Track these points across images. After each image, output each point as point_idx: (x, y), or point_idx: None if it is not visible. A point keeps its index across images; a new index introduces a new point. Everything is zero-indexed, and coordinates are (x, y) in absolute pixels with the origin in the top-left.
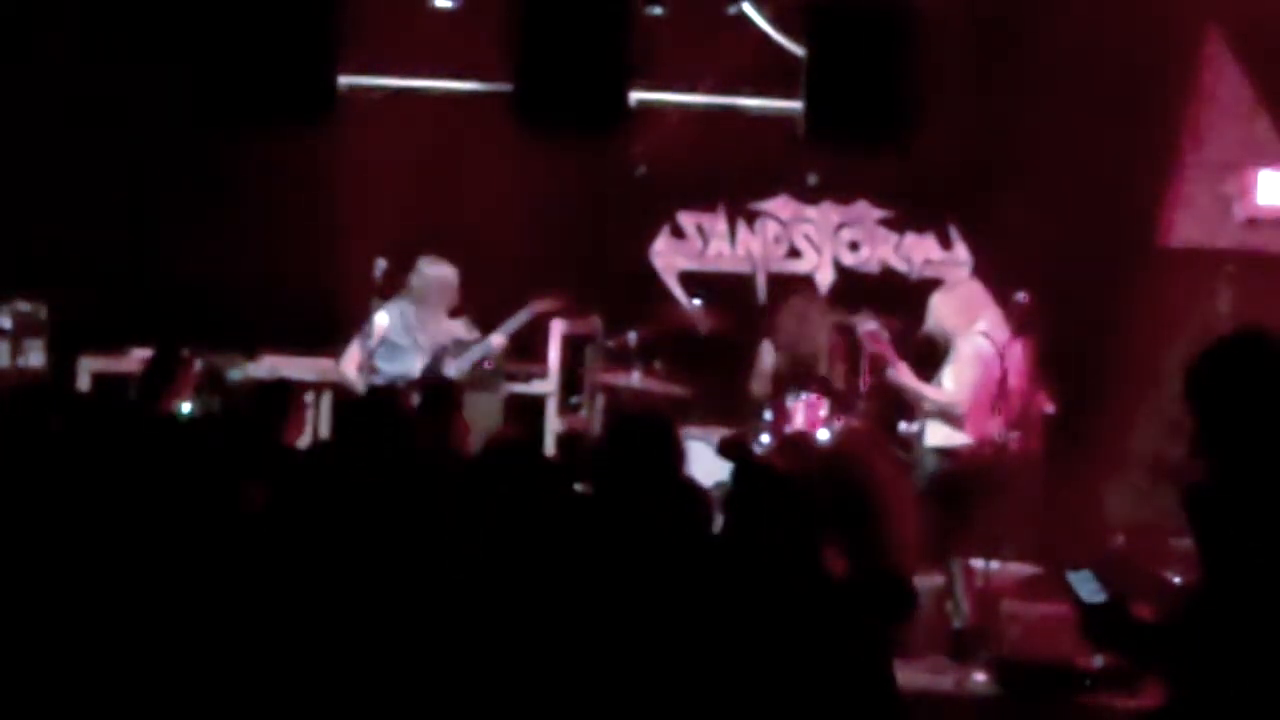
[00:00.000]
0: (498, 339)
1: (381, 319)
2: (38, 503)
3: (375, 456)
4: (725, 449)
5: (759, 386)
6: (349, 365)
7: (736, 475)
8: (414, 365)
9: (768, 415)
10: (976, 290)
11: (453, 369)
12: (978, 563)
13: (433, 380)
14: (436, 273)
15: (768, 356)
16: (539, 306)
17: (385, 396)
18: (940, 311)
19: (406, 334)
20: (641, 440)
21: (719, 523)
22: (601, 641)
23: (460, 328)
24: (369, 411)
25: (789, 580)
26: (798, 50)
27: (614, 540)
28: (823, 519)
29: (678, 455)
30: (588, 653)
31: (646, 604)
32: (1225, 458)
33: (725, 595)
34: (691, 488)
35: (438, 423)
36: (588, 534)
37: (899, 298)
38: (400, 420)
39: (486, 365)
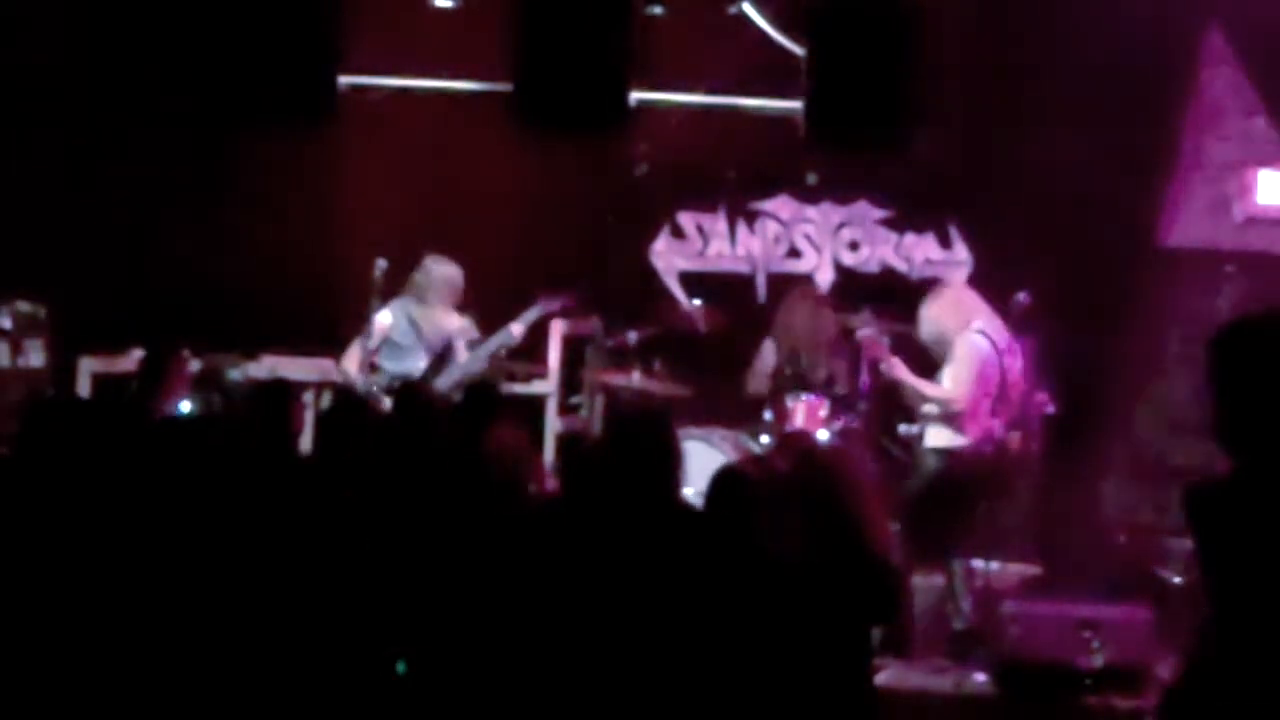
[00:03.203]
0: (517, 328)
1: (384, 318)
2: (39, 508)
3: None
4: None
5: (755, 384)
6: (350, 363)
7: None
8: (418, 364)
9: (768, 415)
10: (965, 293)
11: (467, 361)
12: (978, 563)
13: (478, 384)
14: (442, 271)
15: (769, 355)
16: (549, 306)
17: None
18: (932, 317)
19: (410, 332)
20: (640, 441)
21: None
22: (595, 636)
23: (465, 326)
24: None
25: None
26: (798, 50)
27: (610, 540)
28: (788, 510)
29: (676, 456)
30: (584, 647)
31: (642, 602)
32: (1249, 443)
33: (714, 592)
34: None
35: (475, 426)
36: (586, 533)
37: (899, 298)
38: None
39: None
